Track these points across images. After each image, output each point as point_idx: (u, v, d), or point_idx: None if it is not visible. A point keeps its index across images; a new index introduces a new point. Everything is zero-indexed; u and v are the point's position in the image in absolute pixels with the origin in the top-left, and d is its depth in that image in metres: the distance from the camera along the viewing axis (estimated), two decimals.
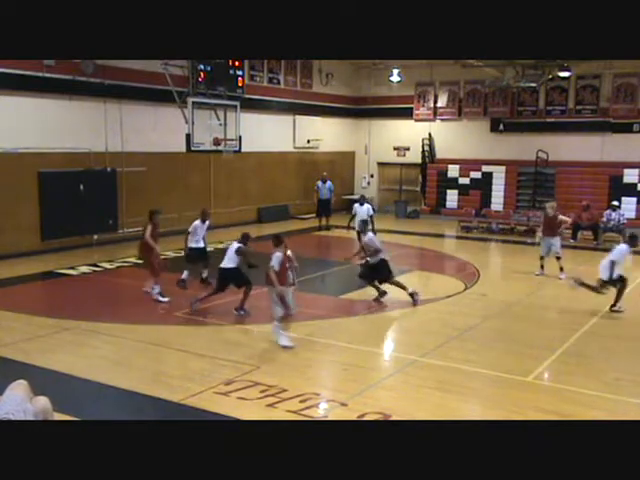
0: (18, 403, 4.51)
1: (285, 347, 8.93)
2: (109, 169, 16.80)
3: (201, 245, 12.47)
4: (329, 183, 21.31)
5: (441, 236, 21.11)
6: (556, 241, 13.96)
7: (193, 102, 16.15)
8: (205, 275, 12.59)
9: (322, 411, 6.93)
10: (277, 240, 9.25)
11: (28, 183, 15.19)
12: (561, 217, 14.20)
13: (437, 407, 7.06)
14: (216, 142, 17.01)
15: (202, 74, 16.67)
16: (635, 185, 21.07)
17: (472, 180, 23.83)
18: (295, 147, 23.67)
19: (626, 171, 21.22)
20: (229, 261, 10.57)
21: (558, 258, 13.97)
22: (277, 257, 8.97)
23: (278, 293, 8.93)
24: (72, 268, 14.10)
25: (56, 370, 7.92)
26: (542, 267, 14.09)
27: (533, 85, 21.64)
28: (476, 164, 23.73)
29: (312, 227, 21.24)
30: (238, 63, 17.98)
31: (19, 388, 4.72)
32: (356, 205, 16.91)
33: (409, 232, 20.66)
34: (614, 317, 10.90)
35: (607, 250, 17.92)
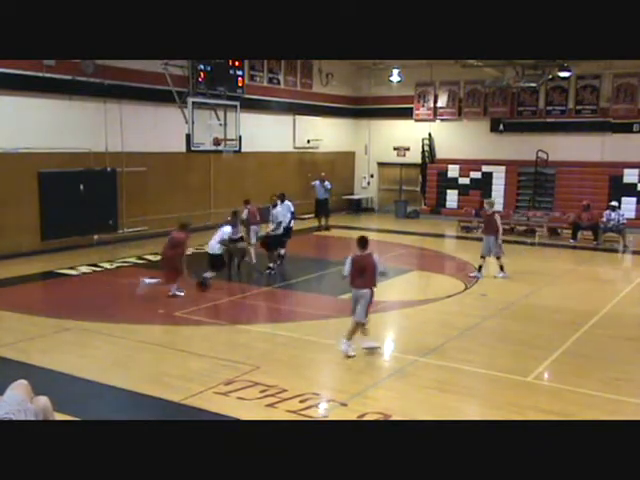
0: (18, 403, 4.52)
1: (371, 348, 8.81)
2: (109, 169, 16.80)
3: None
4: (326, 183, 21.16)
5: (441, 236, 21.11)
6: (492, 240, 13.46)
7: (193, 102, 16.16)
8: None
9: (322, 411, 6.93)
10: (363, 243, 8.85)
11: (28, 183, 15.19)
12: (497, 218, 13.53)
13: (437, 407, 7.06)
14: (216, 142, 17.01)
15: (202, 74, 16.68)
16: (635, 185, 21.07)
17: (472, 180, 23.83)
18: (295, 147, 23.67)
19: (626, 171, 21.22)
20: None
21: (497, 258, 13.62)
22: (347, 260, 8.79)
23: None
24: (72, 268, 14.10)
25: (56, 370, 7.92)
26: (480, 268, 13.72)
27: (533, 85, 21.62)
28: (476, 164, 23.73)
29: (312, 227, 21.22)
30: (238, 63, 17.99)
31: (20, 388, 4.72)
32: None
33: (409, 232, 20.65)
34: (614, 317, 10.90)
35: (607, 250, 18.07)
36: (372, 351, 8.79)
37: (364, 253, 8.78)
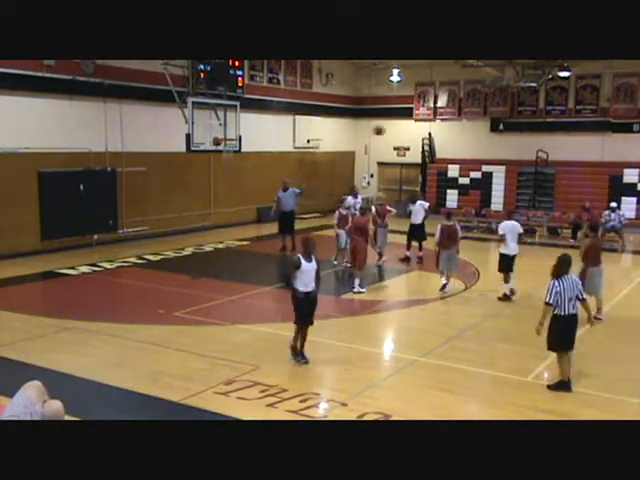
0: (25, 406, 4.43)
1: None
2: (109, 169, 16.79)
3: None
4: (291, 190, 16.93)
5: None
6: (381, 233, 14.70)
7: (193, 102, 16.14)
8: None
9: (322, 411, 6.93)
10: (449, 214, 12.42)
11: (28, 183, 15.18)
12: (387, 208, 15.36)
13: (437, 407, 7.06)
14: (216, 142, 16.98)
15: (202, 74, 16.65)
16: (635, 185, 21.07)
17: (472, 180, 23.83)
18: (295, 147, 23.66)
19: (626, 171, 21.22)
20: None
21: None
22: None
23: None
24: (72, 268, 14.10)
25: (56, 370, 7.91)
26: (380, 255, 14.96)
27: (533, 85, 21.61)
28: (476, 164, 23.73)
29: (312, 227, 21.17)
30: (238, 63, 17.95)
31: (31, 389, 4.62)
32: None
33: None
34: (614, 317, 10.88)
35: (607, 250, 18.01)
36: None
37: (450, 223, 11.94)
